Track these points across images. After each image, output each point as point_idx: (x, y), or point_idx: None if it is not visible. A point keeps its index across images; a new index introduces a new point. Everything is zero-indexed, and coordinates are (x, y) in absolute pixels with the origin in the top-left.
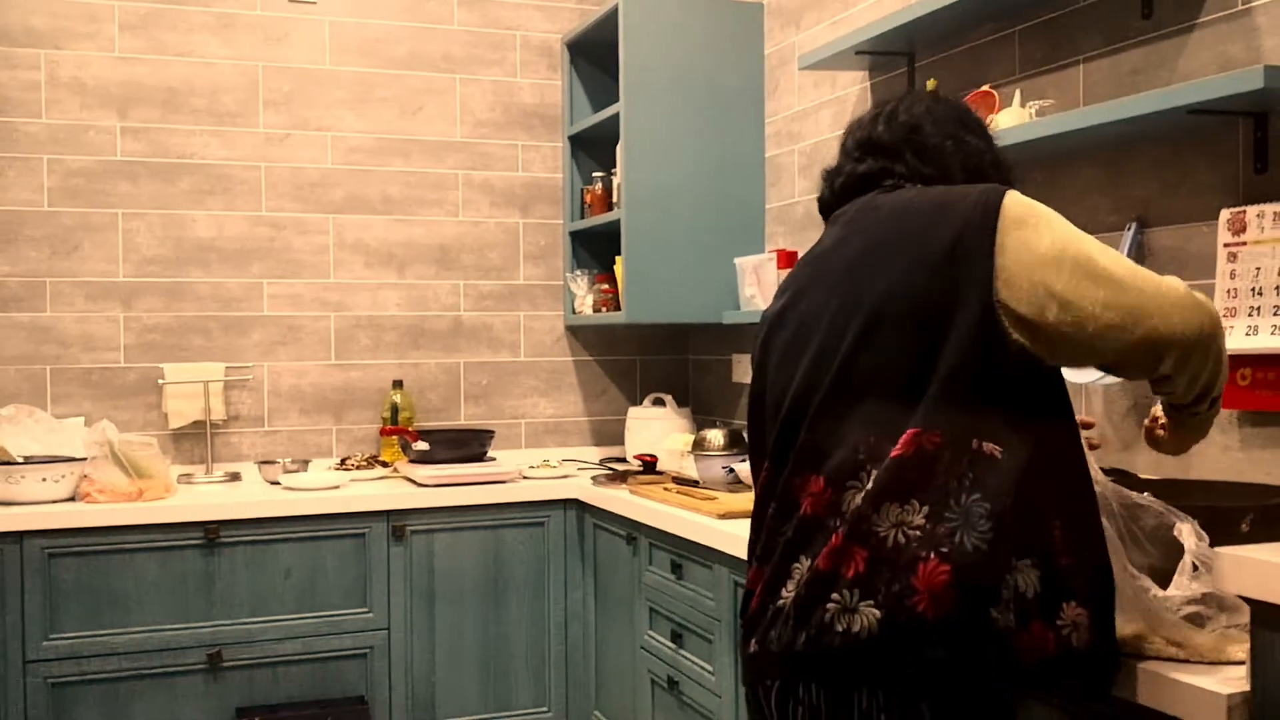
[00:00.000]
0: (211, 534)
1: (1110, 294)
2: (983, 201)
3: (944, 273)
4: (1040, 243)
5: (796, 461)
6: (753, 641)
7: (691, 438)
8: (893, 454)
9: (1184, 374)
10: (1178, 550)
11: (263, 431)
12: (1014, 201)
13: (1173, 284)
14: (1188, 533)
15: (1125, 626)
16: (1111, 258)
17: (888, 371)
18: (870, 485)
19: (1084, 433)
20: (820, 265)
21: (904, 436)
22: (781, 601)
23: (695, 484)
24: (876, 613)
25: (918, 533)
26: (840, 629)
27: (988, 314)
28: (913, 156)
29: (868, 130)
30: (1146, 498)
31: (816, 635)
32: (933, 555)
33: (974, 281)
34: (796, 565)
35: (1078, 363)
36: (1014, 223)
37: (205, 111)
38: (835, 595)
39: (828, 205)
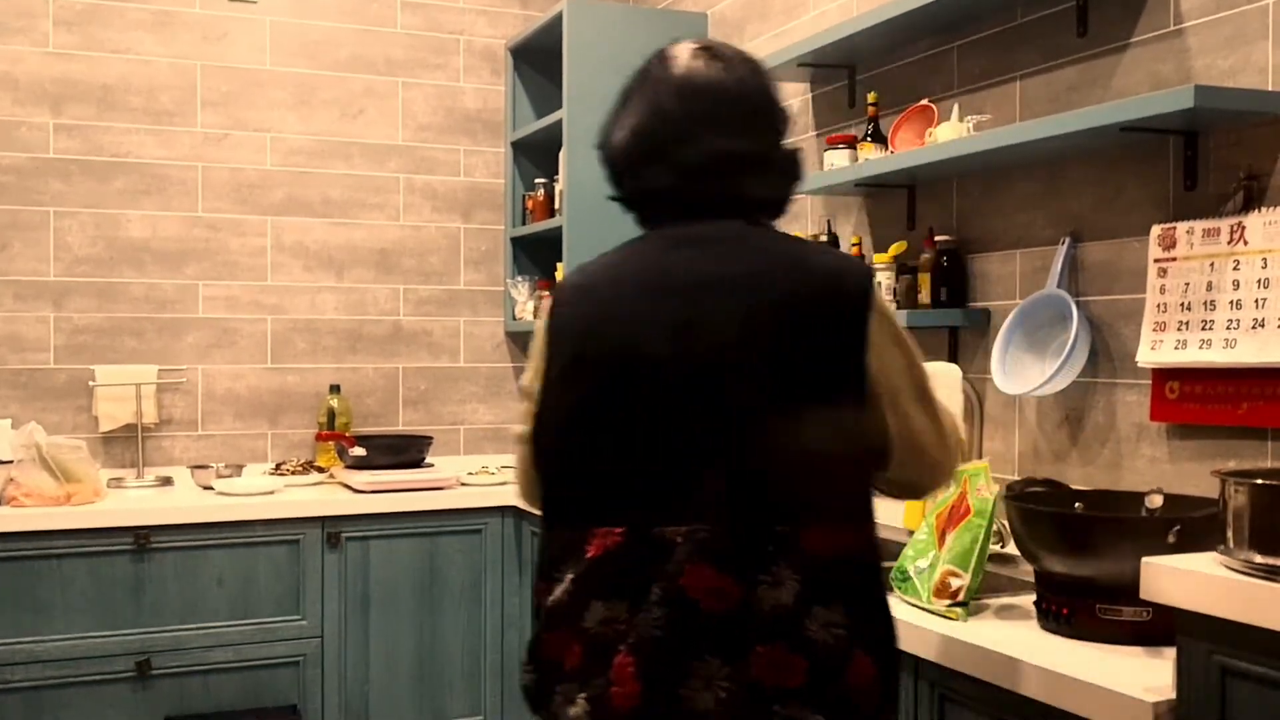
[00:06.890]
0: (142, 539)
1: (929, 421)
2: (854, 288)
3: (825, 357)
4: (895, 348)
5: (695, 548)
6: None
7: None
8: (812, 549)
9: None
10: None
11: (196, 435)
12: (875, 293)
13: (955, 422)
14: None
15: None
16: (928, 378)
17: (786, 454)
18: (795, 584)
19: None
20: (695, 297)
21: (817, 534)
22: (687, 702)
23: None
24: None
25: (842, 631)
26: None
27: (863, 404)
28: (777, 175)
29: (719, 107)
30: None
31: None
32: (857, 651)
33: (847, 368)
34: (701, 665)
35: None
36: (877, 319)
37: (141, 110)
38: (777, 707)
39: (674, 192)
